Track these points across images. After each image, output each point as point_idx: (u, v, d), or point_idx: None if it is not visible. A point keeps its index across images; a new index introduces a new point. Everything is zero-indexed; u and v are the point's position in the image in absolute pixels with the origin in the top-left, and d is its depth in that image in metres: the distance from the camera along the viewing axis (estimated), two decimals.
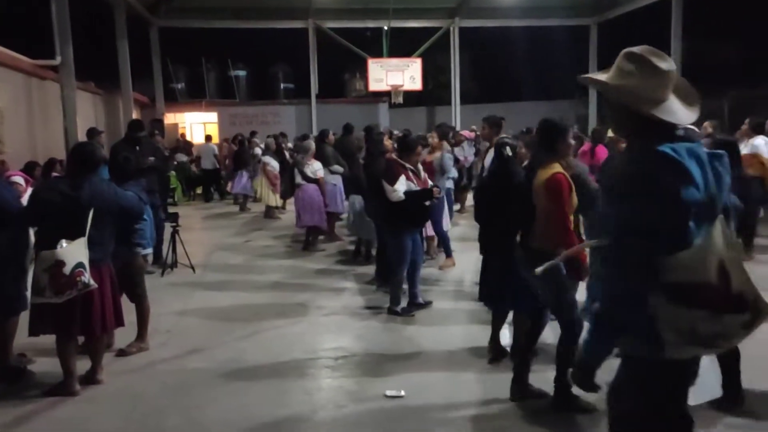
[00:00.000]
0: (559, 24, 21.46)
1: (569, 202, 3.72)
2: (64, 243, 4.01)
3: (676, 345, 2.02)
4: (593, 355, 2.16)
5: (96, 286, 4.12)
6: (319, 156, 9.32)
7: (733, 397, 3.78)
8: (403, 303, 5.94)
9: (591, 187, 4.98)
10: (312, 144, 9.27)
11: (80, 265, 4.00)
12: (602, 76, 2.23)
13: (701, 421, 3.62)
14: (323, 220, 9.01)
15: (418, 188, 5.84)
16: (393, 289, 5.95)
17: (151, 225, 5.09)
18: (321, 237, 9.28)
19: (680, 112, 2.13)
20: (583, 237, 4.32)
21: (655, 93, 2.12)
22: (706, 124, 8.32)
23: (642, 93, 2.10)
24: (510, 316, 4.74)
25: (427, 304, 6.05)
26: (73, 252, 4.01)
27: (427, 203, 5.90)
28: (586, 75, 2.33)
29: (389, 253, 6.10)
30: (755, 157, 7.76)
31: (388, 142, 8.21)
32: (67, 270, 3.96)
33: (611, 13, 19.58)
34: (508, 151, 4.80)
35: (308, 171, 8.79)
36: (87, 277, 4.04)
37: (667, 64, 2.15)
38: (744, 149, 7.80)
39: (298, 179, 8.92)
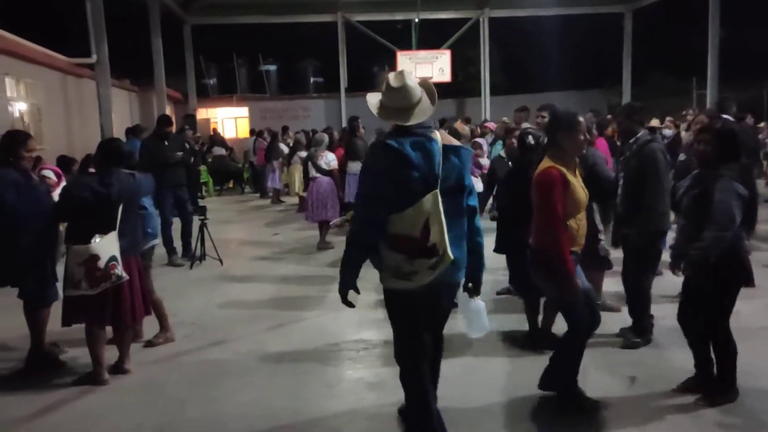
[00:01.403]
0: (592, 11, 21.06)
1: (561, 200, 3.44)
2: (97, 238, 4.13)
3: (389, 278, 3.05)
4: (344, 271, 3.09)
5: (128, 278, 4.25)
6: (351, 149, 9.31)
7: (724, 392, 3.73)
8: None
9: (605, 177, 4.90)
10: (325, 137, 9.24)
11: (113, 258, 4.14)
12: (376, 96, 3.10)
13: (691, 414, 3.59)
14: (336, 214, 8.86)
15: None
16: None
17: (155, 217, 5.16)
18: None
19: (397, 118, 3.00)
20: (599, 227, 4.24)
21: (391, 103, 3.02)
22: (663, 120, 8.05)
23: (384, 103, 3.04)
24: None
25: None
26: (107, 246, 4.14)
27: None
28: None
29: None
30: None
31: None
32: (101, 264, 4.10)
33: (646, 0, 19.12)
34: (531, 140, 4.76)
35: (322, 163, 8.69)
36: (120, 269, 4.18)
37: (398, 82, 2.99)
38: None
39: (312, 172, 8.83)
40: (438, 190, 2.86)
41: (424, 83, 3.08)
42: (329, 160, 8.77)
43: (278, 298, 6.36)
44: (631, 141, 4.68)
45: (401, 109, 2.98)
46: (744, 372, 3.82)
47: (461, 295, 3.33)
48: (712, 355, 3.79)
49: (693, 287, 3.75)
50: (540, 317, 4.80)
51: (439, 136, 3.03)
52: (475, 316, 3.35)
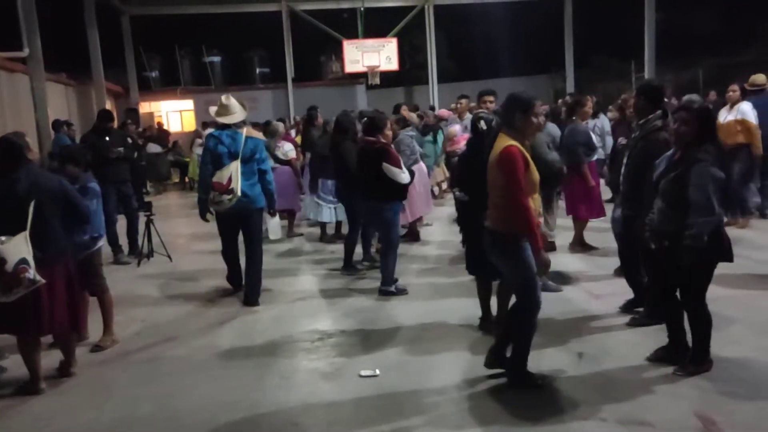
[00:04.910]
0: None
1: (527, 177, 3.52)
2: (3, 238, 3.84)
3: (212, 205, 5.69)
4: (199, 202, 5.89)
5: (43, 281, 3.94)
6: (308, 140, 9.30)
7: (699, 362, 3.86)
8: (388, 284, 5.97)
9: (547, 162, 5.00)
10: (280, 126, 9.25)
11: (23, 261, 3.83)
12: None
13: (668, 382, 3.74)
14: (297, 203, 8.95)
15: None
16: (386, 270, 5.91)
17: (101, 214, 4.92)
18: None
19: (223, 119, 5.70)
20: (541, 212, 4.31)
21: (220, 111, 5.71)
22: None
23: (218, 112, 5.61)
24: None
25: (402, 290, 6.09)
26: (14, 247, 3.83)
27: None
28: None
29: (380, 233, 6.18)
30: (743, 123, 7.51)
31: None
32: (9, 267, 3.79)
33: None
34: (483, 124, 4.81)
35: (279, 153, 8.69)
36: (32, 273, 3.85)
37: (224, 101, 5.72)
38: (730, 116, 7.68)
39: (271, 163, 8.81)
40: (238, 160, 5.54)
41: (238, 100, 5.80)
42: (286, 150, 8.74)
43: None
44: (642, 121, 4.61)
45: (224, 116, 5.71)
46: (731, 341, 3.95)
47: (266, 215, 6.11)
48: (685, 327, 3.93)
49: (670, 263, 3.82)
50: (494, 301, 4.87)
51: (245, 130, 5.71)
52: (272, 226, 6.56)
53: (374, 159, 5.75)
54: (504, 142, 3.56)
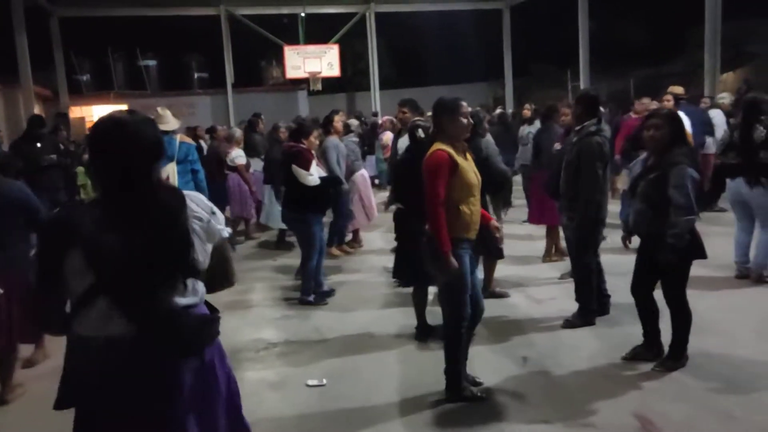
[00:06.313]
0: (472, 8, 21.81)
1: (446, 181, 3.50)
2: None
3: None
4: None
5: (1, 291, 3.81)
6: (250, 145, 9.22)
7: (677, 357, 4.01)
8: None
9: (497, 169, 5.09)
10: (237, 132, 9.15)
11: None
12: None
13: (609, 383, 3.84)
14: (249, 210, 8.81)
15: (325, 174, 5.91)
16: (305, 278, 5.87)
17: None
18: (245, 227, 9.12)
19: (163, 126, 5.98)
20: (493, 216, 4.37)
21: (158, 121, 5.71)
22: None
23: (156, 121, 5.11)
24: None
25: (331, 291, 6.05)
26: None
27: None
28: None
29: (299, 243, 6.08)
30: None
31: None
32: None
33: None
34: (421, 133, 4.85)
35: (228, 160, 8.58)
36: None
37: (161, 112, 6.40)
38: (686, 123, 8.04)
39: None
40: (174, 162, 6.19)
41: (172, 113, 6.57)
42: (233, 156, 8.60)
43: None
44: (578, 128, 4.82)
45: (161, 123, 5.88)
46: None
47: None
48: (659, 326, 4.11)
49: (649, 263, 3.98)
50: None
51: (178, 137, 6.49)
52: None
53: (288, 163, 5.72)
54: (434, 147, 3.60)
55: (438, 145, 3.58)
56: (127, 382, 1.87)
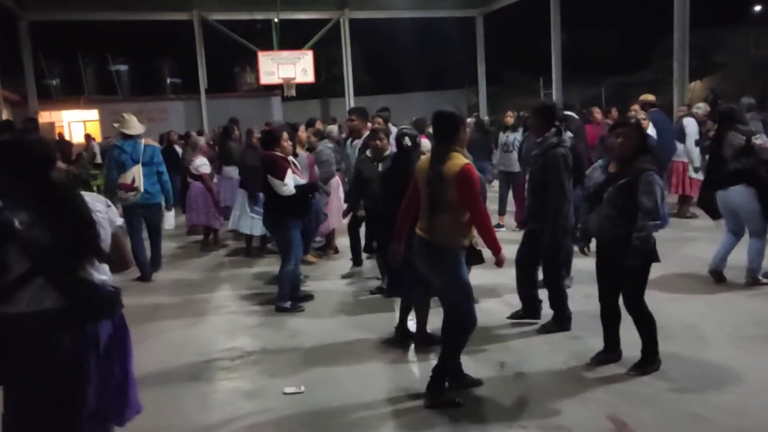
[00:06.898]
0: (446, 15, 21.96)
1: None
2: None
3: (118, 201, 6.70)
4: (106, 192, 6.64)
5: None
6: (225, 153, 9.16)
7: (650, 361, 4.07)
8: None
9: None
10: (201, 140, 9.06)
11: None
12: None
13: (583, 387, 3.88)
14: (214, 219, 8.68)
15: (303, 181, 5.83)
16: (281, 284, 5.80)
17: None
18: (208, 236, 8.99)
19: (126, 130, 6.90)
20: None
21: (123, 124, 6.94)
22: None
23: (121, 124, 7.00)
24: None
25: (308, 297, 6.02)
26: None
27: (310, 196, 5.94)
28: None
29: (278, 248, 6.01)
30: None
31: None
32: None
33: (496, 5, 20.25)
34: (408, 141, 4.87)
35: (191, 167, 8.49)
36: None
37: (127, 117, 7.00)
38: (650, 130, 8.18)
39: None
40: (140, 164, 6.70)
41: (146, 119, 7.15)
42: (197, 165, 8.47)
43: (141, 309, 5.92)
44: (539, 140, 4.84)
45: (126, 128, 6.83)
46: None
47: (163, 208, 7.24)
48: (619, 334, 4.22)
49: (612, 270, 4.05)
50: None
51: (143, 141, 6.86)
52: (168, 218, 7.42)
53: (264, 172, 5.66)
54: (460, 160, 3.61)
55: (462, 158, 3.63)
56: (56, 343, 2.36)
